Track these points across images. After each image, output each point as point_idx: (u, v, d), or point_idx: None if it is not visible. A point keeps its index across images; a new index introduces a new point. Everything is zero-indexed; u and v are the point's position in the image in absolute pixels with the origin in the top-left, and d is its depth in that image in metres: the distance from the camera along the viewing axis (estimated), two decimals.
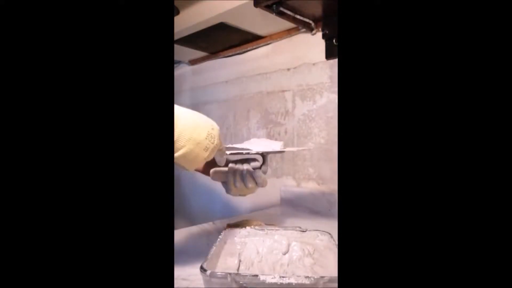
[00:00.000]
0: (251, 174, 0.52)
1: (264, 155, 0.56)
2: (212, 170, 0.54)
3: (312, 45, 0.88)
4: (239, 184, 0.52)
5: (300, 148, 0.85)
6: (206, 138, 0.40)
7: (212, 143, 0.40)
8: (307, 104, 0.91)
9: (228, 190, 0.55)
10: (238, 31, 0.94)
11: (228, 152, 0.50)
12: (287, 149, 0.58)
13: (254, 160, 0.54)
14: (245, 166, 0.52)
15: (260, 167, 0.54)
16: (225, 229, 0.51)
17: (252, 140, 0.59)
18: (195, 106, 1.25)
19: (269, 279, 0.32)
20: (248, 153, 0.52)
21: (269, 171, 0.99)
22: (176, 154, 0.38)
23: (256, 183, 0.53)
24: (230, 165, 0.53)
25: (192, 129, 0.39)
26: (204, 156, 0.40)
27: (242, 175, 0.52)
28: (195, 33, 0.97)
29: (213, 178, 0.55)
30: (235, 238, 0.50)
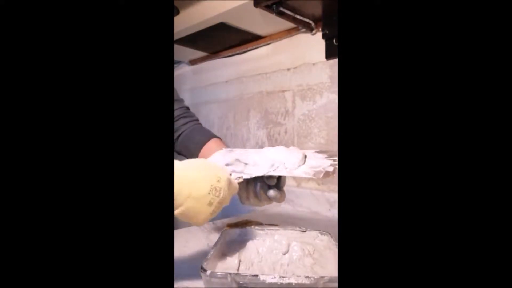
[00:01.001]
0: (265, 191, 0.47)
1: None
2: None
3: (312, 45, 0.88)
4: (252, 200, 0.49)
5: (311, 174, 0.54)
6: (209, 193, 0.36)
7: (218, 197, 0.37)
8: (307, 104, 0.91)
9: (241, 202, 0.51)
10: (238, 31, 0.94)
11: (242, 178, 0.45)
12: (301, 174, 0.46)
13: (270, 176, 0.47)
14: (259, 185, 0.48)
15: (275, 183, 0.48)
16: (225, 229, 0.51)
17: (265, 149, 0.51)
18: (195, 106, 1.25)
19: (269, 279, 0.32)
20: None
21: None
22: (175, 212, 0.35)
23: (270, 199, 0.48)
24: (243, 180, 0.47)
25: (190, 184, 0.36)
26: (209, 212, 0.37)
27: (256, 192, 0.48)
28: (195, 33, 0.97)
29: None
30: (235, 238, 0.50)
